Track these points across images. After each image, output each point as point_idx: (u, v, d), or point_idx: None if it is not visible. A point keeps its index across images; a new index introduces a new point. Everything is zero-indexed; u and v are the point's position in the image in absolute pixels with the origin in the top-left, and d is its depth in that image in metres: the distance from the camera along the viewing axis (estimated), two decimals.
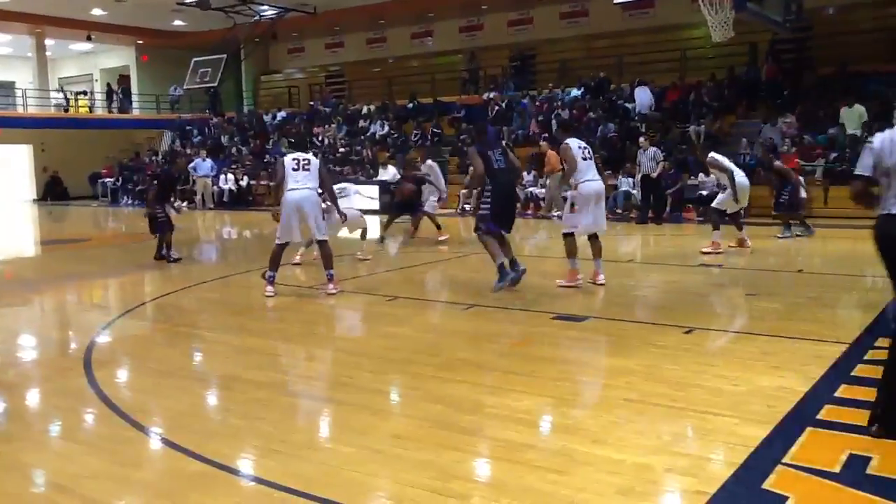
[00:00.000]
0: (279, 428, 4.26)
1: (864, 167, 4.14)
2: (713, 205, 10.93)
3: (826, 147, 16.67)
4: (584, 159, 8.13)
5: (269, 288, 8.20)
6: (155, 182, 12.59)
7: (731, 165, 10.67)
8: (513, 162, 8.16)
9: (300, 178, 8.08)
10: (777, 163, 12.89)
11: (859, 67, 18.41)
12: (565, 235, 8.28)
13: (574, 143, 8.19)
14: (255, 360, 5.77)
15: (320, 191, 8.37)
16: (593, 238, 8.32)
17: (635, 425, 4.14)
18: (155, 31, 29.61)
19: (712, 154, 10.75)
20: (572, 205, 8.24)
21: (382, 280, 9.58)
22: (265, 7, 24.71)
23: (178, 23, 28.14)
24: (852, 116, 16.55)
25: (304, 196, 8.06)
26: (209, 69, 25.86)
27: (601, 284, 8.16)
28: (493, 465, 3.77)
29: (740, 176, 10.60)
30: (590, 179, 8.10)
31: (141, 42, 31.02)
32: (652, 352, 5.66)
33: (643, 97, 20.26)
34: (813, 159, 16.46)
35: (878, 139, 4.10)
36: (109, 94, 32.21)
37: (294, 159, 8.20)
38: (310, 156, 8.35)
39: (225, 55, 25.34)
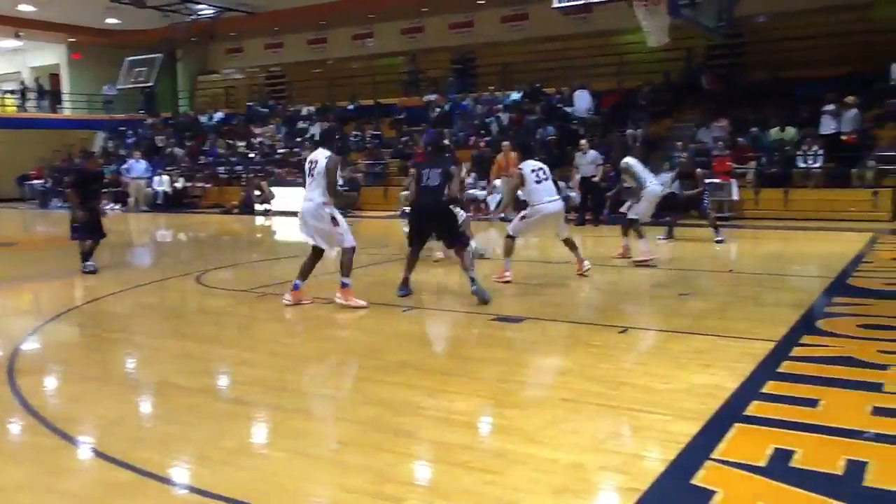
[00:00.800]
0: (212, 434, 4.18)
1: None
2: (629, 214, 10.47)
3: (757, 150, 17.15)
4: (538, 181, 8.42)
5: (350, 297, 7.43)
6: (68, 180, 11.36)
7: (645, 175, 10.46)
8: (448, 181, 7.69)
9: (307, 187, 7.41)
10: (697, 170, 13.07)
11: (789, 74, 19.03)
12: (507, 237, 8.62)
13: (528, 168, 8.51)
14: (188, 365, 5.65)
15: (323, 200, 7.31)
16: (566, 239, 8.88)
17: (570, 424, 4.18)
18: (87, 29, 28.77)
19: (627, 160, 10.53)
20: (524, 216, 8.56)
21: (319, 283, 9.47)
22: (203, 6, 24.31)
23: (111, 20, 27.41)
24: (787, 136, 17.02)
25: (303, 209, 7.37)
26: (144, 68, 25.35)
27: (586, 273, 8.83)
28: (429, 467, 3.77)
29: (653, 184, 10.59)
30: (547, 201, 8.46)
31: (73, 40, 30.13)
32: (588, 351, 5.73)
33: (582, 101, 20.56)
34: (745, 162, 16.92)
35: None
36: (40, 93, 31.23)
37: (309, 162, 7.41)
38: (319, 156, 7.34)
39: (161, 54, 24.89)
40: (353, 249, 7.43)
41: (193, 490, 3.50)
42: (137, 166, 23.32)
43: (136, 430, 4.40)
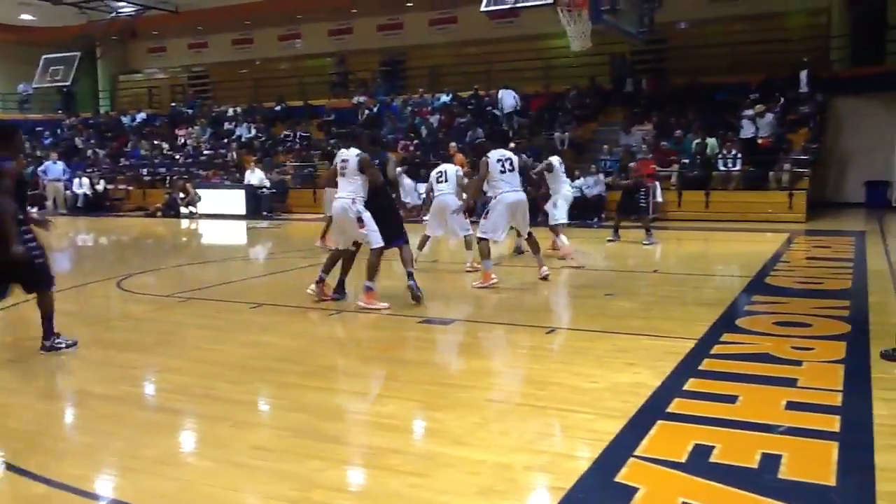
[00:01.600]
0: (133, 444, 4.05)
1: None
2: (550, 220, 10.71)
3: (680, 154, 17.62)
4: (503, 172, 8.34)
5: (364, 299, 7.35)
6: None
7: (563, 178, 10.89)
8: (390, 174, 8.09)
9: (339, 184, 7.35)
10: (631, 164, 13.36)
11: (710, 79, 19.64)
12: (480, 239, 8.48)
13: (494, 157, 8.41)
14: (108, 373, 5.47)
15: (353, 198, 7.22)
16: (529, 238, 8.77)
17: (498, 425, 4.21)
18: (0, 25, 27.68)
19: (552, 159, 10.83)
20: (487, 212, 8.52)
21: (247, 287, 9.33)
22: (122, 4, 23.63)
23: (25, 17, 26.40)
24: (710, 146, 17.56)
25: (337, 207, 7.32)
26: (62, 67, 24.49)
27: (545, 278, 8.65)
28: (356, 471, 3.74)
29: (569, 190, 10.94)
30: (507, 191, 8.35)
31: None
32: (516, 352, 5.78)
33: (507, 99, 20.85)
34: (668, 165, 17.37)
35: None
36: None
37: (341, 160, 7.34)
38: (349, 154, 7.31)
39: (79, 53, 24.07)
40: (379, 251, 7.29)
41: (114, 502, 3.39)
42: (55, 168, 22.51)
43: (54, 442, 4.23)
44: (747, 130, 17.59)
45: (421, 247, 9.73)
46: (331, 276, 7.73)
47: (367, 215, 7.25)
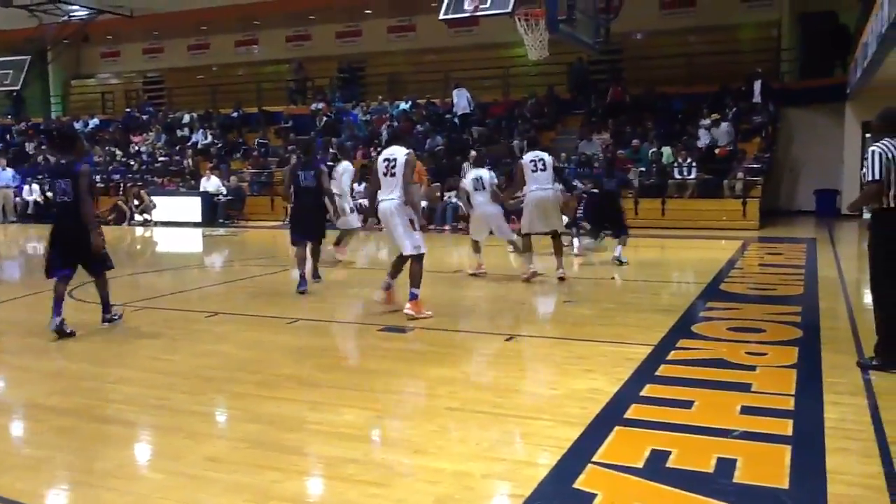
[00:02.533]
0: (83, 457, 3.96)
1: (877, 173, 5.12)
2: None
3: (636, 162, 17.83)
4: (534, 171, 9.03)
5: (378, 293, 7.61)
6: None
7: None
8: (322, 183, 9.06)
9: (385, 185, 7.18)
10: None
11: (667, 89, 19.95)
12: (523, 235, 9.42)
13: (528, 158, 9.19)
14: (58, 384, 5.34)
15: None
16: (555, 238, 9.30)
17: (456, 433, 4.20)
18: None
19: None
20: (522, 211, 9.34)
21: (202, 295, 9.20)
22: (75, 7, 23.17)
23: None
24: (665, 155, 17.82)
25: (384, 208, 7.18)
26: (11, 70, 23.92)
27: (562, 278, 9.12)
28: (313, 482, 3.70)
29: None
30: (534, 189, 9.06)
31: None
32: (475, 360, 5.78)
33: (460, 99, 20.97)
34: (625, 174, 17.55)
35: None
36: None
37: (384, 160, 7.20)
38: (397, 153, 7.20)
39: (29, 56, 23.52)
40: (422, 257, 7.21)
41: None
42: (3, 174, 21.95)
43: (1, 456, 4.09)
44: (704, 139, 17.88)
45: (477, 250, 10.02)
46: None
47: (417, 218, 7.26)
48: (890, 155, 5.13)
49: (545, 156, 9.23)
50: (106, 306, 7.16)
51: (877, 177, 5.12)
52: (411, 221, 7.14)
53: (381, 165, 7.20)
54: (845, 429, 4.12)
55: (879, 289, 5.33)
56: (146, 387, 5.16)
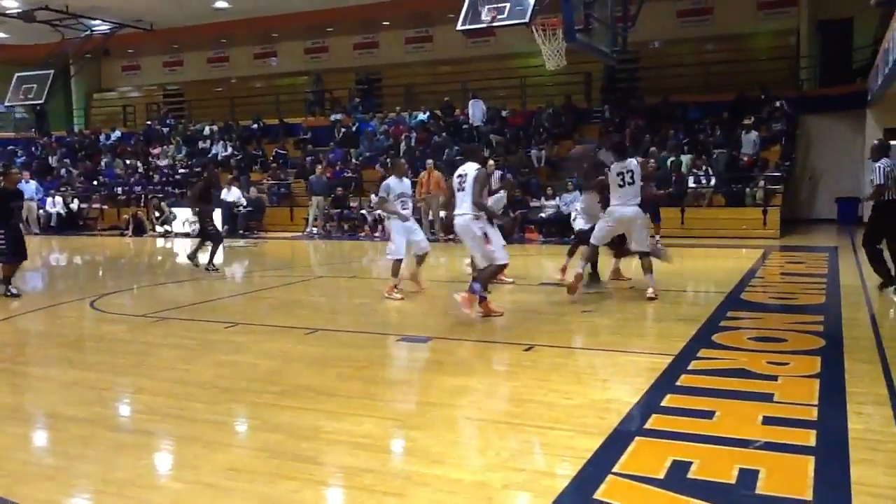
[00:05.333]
0: (103, 466, 3.97)
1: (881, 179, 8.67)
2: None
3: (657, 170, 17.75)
4: (621, 185, 8.40)
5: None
6: None
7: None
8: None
9: (459, 200, 7.39)
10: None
11: (680, 97, 19.87)
12: (591, 245, 8.81)
13: (615, 169, 8.46)
14: (78, 394, 5.37)
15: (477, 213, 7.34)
16: (642, 255, 8.82)
17: (475, 443, 4.18)
18: None
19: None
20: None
21: (222, 306, 9.24)
22: (97, 22, 23.46)
23: None
24: (683, 162, 17.77)
25: (458, 224, 7.38)
26: (35, 85, 24.17)
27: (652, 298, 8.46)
28: (331, 492, 3.69)
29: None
30: (618, 205, 8.46)
31: None
32: (493, 370, 5.76)
33: (476, 110, 21.02)
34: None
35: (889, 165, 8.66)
36: None
37: (458, 176, 7.44)
38: (468, 169, 7.43)
39: (52, 71, 23.80)
40: (501, 267, 7.33)
41: None
42: (27, 187, 22.18)
43: (21, 465, 4.12)
44: (747, 148, 17.67)
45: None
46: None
47: (490, 230, 7.41)
48: (888, 169, 8.63)
49: (634, 167, 8.51)
50: None
51: (881, 182, 8.68)
52: (485, 234, 7.34)
53: (455, 182, 7.46)
54: (869, 439, 4.05)
55: (868, 243, 9.01)
56: (165, 396, 5.18)
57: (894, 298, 8.39)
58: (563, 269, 9.83)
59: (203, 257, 11.85)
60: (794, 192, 18.72)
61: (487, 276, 7.32)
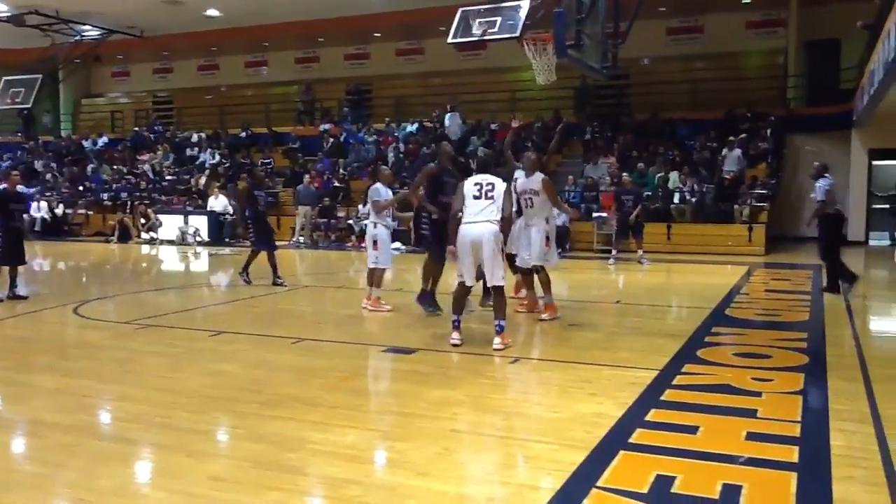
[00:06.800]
0: (86, 475, 3.94)
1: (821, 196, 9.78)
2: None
3: (642, 186, 17.84)
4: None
5: (454, 335, 6.99)
6: None
7: None
8: None
9: (476, 207, 6.85)
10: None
11: (669, 114, 20.02)
12: (537, 270, 8.30)
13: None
14: (62, 401, 5.33)
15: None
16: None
17: (460, 456, 4.18)
18: None
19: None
20: (547, 238, 8.28)
21: (207, 314, 9.20)
22: (87, 27, 23.39)
23: None
24: (672, 180, 17.89)
25: (477, 233, 6.81)
26: (22, 89, 24.04)
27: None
28: (315, 503, 3.67)
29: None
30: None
31: None
32: (479, 382, 5.75)
33: (453, 123, 21.10)
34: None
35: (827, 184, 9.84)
36: None
37: (476, 184, 6.94)
38: (493, 180, 6.99)
39: (41, 75, 23.69)
40: (502, 289, 6.95)
41: None
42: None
43: (4, 473, 4.08)
44: (730, 166, 17.75)
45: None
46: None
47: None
48: (828, 187, 9.84)
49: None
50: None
51: (822, 198, 9.84)
52: (502, 250, 7.00)
53: (471, 188, 6.95)
54: (852, 456, 4.08)
55: (827, 256, 10.17)
56: (149, 405, 5.15)
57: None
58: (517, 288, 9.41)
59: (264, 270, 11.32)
60: (780, 209, 18.85)
61: (502, 306, 6.86)
